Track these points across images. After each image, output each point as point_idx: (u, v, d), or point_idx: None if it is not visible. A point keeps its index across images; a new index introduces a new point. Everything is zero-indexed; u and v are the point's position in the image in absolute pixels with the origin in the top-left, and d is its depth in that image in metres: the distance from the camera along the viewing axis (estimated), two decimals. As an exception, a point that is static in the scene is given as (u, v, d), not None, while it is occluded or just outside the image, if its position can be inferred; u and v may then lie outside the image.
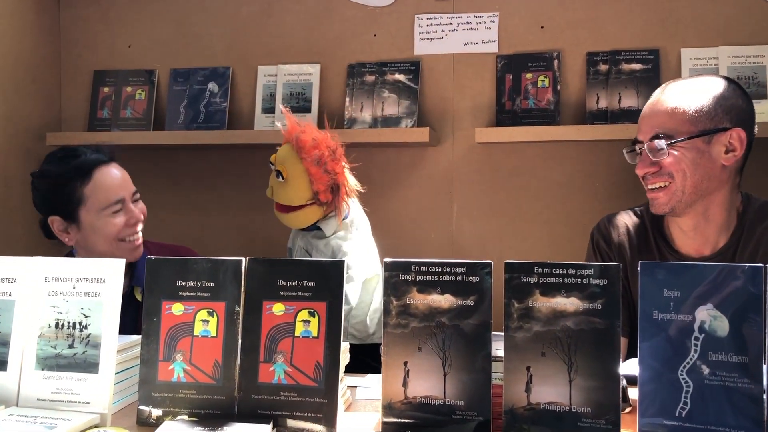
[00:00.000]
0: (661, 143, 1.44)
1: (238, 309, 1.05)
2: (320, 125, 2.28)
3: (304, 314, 1.03)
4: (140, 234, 1.67)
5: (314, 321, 1.03)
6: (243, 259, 1.06)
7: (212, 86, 2.38)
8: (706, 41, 2.08)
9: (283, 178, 1.72)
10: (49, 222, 1.64)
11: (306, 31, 2.36)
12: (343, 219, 1.74)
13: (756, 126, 1.50)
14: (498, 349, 0.99)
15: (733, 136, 1.44)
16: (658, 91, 1.54)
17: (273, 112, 2.32)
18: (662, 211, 1.49)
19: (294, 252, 1.85)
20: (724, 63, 2.04)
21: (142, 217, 1.68)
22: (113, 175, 1.64)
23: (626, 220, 1.63)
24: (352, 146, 2.25)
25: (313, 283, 1.03)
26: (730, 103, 1.45)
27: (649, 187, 1.50)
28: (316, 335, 1.03)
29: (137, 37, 2.48)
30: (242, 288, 1.06)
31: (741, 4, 2.06)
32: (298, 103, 2.30)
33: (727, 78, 1.53)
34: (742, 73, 2.02)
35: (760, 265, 0.91)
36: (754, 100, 1.54)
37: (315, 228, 1.78)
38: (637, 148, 1.52)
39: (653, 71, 2.08)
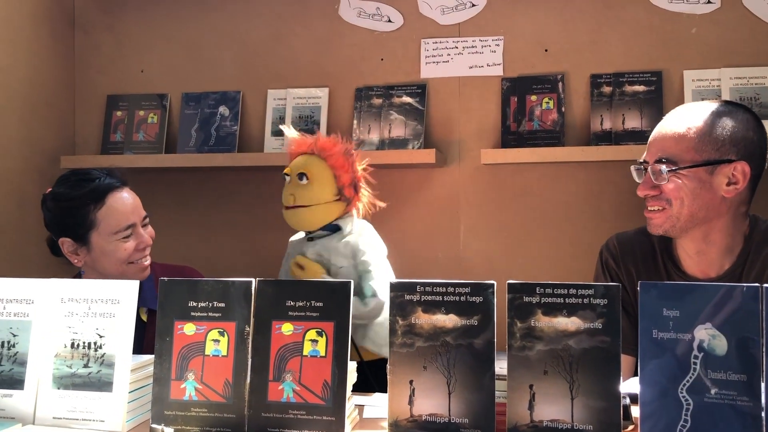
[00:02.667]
0: (664, 168, 1.45)
1: (248, 329, 1.08)
2: (329, 147, 2.33)
3: (312, 334, 1.06)
4: (148, 257, 1.71)
5: (322, 340, 1.05)
6: (253, 280, 1.09)
7: (223, 110, 2.43)
8: (708, 63, 2.11)
9: (307, 179, 1.73)
10: (59, 243, 1.68)
11: (314, 56, 2.41)
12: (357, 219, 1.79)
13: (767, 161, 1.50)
14: (501, 367, 1.01)
15: (737, 169, 1.43)
16: (669, 113, 1.55)
17: (282, 135, 2.35)
18: (656, 231, 1.51)
19: (285, 269, 1.81)
20: (727, 84, 2.07)
21: (150, 241, 1.71)
22: (125, 201, 1.68)
23: (635, 239, 1.65)
24: (360, 168, 2.30)
25: (320, 304, 1.06)
26: (739, 135, 1.45)
27: (648, 207, 1.52)
28: (323, 354, 1.05)
29: (150, 63, 2.54)
30: (252, 308, 1.08)
31: (742, 26, 2.09)
32: (307, 125, 2.34)
33: (744, 107, 1.52)
34: (745, 94, 2.05)
35: (756, 285, 0.93)
36: (756, 121, 1.55)
37: (329, 230, 1.76)
38: (643, 167, 1.54)
39: (656, 93, 2.11)
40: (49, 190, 1.71)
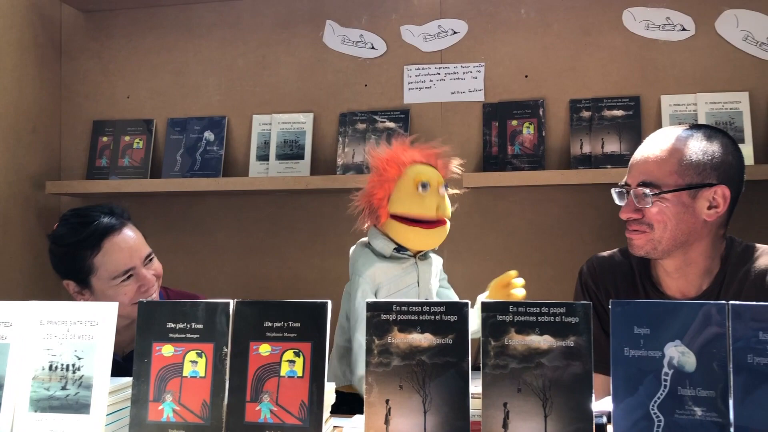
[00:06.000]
0: (647, 192, 1.47)
1: (226, 350, 1.09)
2: (313, 172, 2.36)
3: (289, 354, 1.07)
4: (155, 294, 1.67)
5: (299, 361, 1.06)
6: (231, 301, 1.10)
7: (208, 135, 2.45)
8: (684, 88, 2.16)
9: (446, 191, 1.54)
10: (64, 285, 1.67)
11: (299, 82, 2.44)
12: None
13: (744, 184, 1.53)
14: (476, 386, 1.02)
15: (717, 193, 1.46)
16: (651, 137, 1.57)
17: (267, 160, 2.38)
18: (638, 253, 1.53)
19: (427, 293, 1.58)
20: (702, 109, 2.12)
21: (155, 280, 1.67)
22: (123, 244, 1.64)
23: (614, 260, 1.67)
24: (344, 191, 2.32)
25: (298, 324, 1.07)
26: (719, 159, 1.48)
27: (629, 228, 1.54)
28: (301, 375, 1.06)
29: (136, 89, 2.56)
30: (230, 329, 1.09)
31: (716, 53, 2.15)
32: (292, 150, 2.37)
33: (722, 132, 1.55)
34: (720, 119, 2.09)
35: (723, 302, 0.95)
36: (731, 145, 1.58)
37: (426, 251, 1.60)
38: (624, 190, 1.55)
39: (635, 117, 2.16)
40: (55, 227, 1.69)
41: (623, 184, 1.56)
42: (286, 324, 1.07)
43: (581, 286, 1.70)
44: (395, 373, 1.03)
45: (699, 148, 1.48)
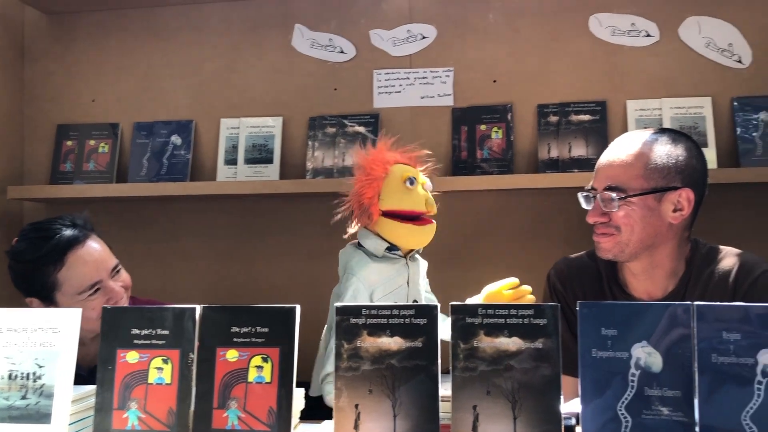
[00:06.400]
0: (613, 196, 1.48)
1: (192, 356, 1.07)
2: (282, 176, 2.34)
3: (257, 360, 1.05)
4: (125, 305, 1.62)
5: (267, 366, 1.05)
6: (196, 306, 1.08)
7: (175, 139, 2.42)
8: (649, 93, 2.19)
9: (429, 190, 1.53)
10: (27, 302, 1.60)
11: (268, 86, 2.43)
12: None
13: (707, 187, 1.56)
14: (446, 389, 1.02)
15: (682, 196, 1.48)
16: (616, 141, 1.58)
17: (235, 164, 2.36)
18: (605, 256, 1.55)
19: (416, 294, 1.56)
20: (667, 114, 2.15)
21: (123, 291, 1.63)
22: (88, 257, 1.59)
23: (581, 263, 1.69)
24: (314, 195, 2.31)
25: (266, 329, 1.06)
26: (684, 162, 1.49)
27: (597, 232, 1.56)
28: (269, 380, 1.05)
29: (101, 92, 2.52)
30: (196, 335, 1.07)
31: (680, 59, 2.18)
32: (261, 154, 2.35)
33: (686, 136, 1.57)
34: (684, 123, 2.13)
35: (688, 303, 0.97)
36: (695, 149, 1.61)
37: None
38: (591, 194, 1.56)
39: (601, 122, 2.18)
40: (14, 242, 1.62)
41: (590, 188, 1.57)
42: (253, 329, 1.06)
43: (549, 289, 1.71)
44: (365, 378, 1.02)
45: (664, 152, 1.50)
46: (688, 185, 1.49)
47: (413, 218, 1.49)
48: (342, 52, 2.38)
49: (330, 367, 1.31)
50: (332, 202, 1.57)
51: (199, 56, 2.47)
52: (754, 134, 2.09)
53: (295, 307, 1.06)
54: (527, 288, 1.49)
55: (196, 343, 1.07)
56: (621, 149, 1.54)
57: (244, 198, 2.38)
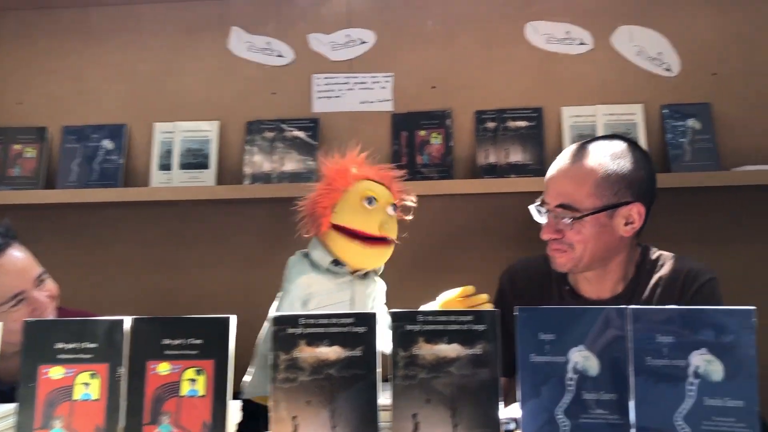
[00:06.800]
0: (566, 215, 1.49)
1: (121, 370, 1.02)
2: (219, 182, 2.29)
3: (190, 373, 1.02)
4: (52, 315, 1.55)
5: (201, 379, 1.01)
6: (125, 318, 1.04)
7: (107, 143, 2.34)
8: (584, 100, 2.23)
9: (394, 211, 1.48)
10: None
11: (205, 89, 2.37)
12: None
13: (656, 194, 1.58)
14: (386, 398, 1.01)
15: (633, 210, 1.50)
16: (565, 153, 1.57)
17: (170, 169, 2.29)
18: (561, 269, 1.57)
19: (354, 303, 1.50)
20: (601, 120, 2.20)
21: (49, 301, 1.56)
22: (10, 267, 1.52)
23: (533, 264, 1.70)
24: (251, 201, 2.27)
25: (199, 341, 1.02)
26: (633, 176, 1.50)
27: (551, 247, 1.56)
28: (203, 394, 1.01)
29: (28, 94, 2.41)
30: (126, 348, 1.03)
31: (613, 66, 2.24)
32: (196, 159, 2.29)
33: (634, 144, 1.57)
34: (617, 130, 2.18)
35: (623, 307, 0.98)
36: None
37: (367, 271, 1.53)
38: (542, 209, 1.56)
39: (537, 128, 2.22)
40: None
41: (541, 202, 1.57)
42: (186, 341, 1.02)
43: (499, 292, 1.74)
44: (303, 389, 1.00)
45: (613, 167, 1.50)
46: (638, 198, 1.51)
47: (366, 237, 1.43)
48: (280, 55, 2.34)
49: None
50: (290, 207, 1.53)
51: (133, 58, 2.40)
52: (683, 140, 2.16)
53: (229, 318, 1.03)
54: (483, 296, 1.48)
55: (126, 357, 1.03)
56: (570, 165, 1.53)
57: (180, 204, 2.31)
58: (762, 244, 2.16)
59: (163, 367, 1.02)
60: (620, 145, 1.55)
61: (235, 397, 1.23)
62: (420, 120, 2.26)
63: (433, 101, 2.29)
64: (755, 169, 2.01)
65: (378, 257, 1.45)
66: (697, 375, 0.93)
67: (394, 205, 1.48)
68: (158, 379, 1.02)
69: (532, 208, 1.59)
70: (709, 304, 1.44)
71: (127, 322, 1.04)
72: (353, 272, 1.47)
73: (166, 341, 1.03)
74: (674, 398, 0.93)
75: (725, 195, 2.16)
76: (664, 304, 1.49)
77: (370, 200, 1.43)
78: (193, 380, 1.02)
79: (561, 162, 1.56)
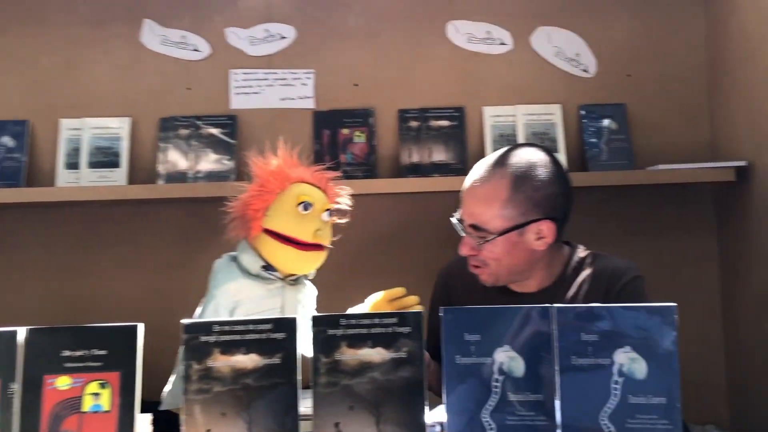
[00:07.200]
0: (478, 236, 1.49)
1: (13, 387, 0.93)
2: (131, 181, 2.18)
3: (93, 387, 0.94)
4: None
5: (105, 393, 0.94)
6: (20, 329, 0.95)
7: (7, 140, 2.18)
8: (504, 100, 2.24)
9: (329, 217, 1.44)
10: None
11: (115, 84, 2.25)
12: None
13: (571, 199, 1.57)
14: (307, 407, 0.96)
15: (542, 226, 1.49)
16: (479, 169, 1.55)
17: (77, 168, 2.16)
18: (485, 284, 1.56)
19: (284, 309, 1.45)
20: (521, 120, 2.22)
21: None
22: None
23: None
24: (166, 201, 2.17)
25: (104, 352, 0.95)
26: (540, 194, 1.49)
27: (471, 264, 1.56)
28: (108, 409, 0.94)
29: None
30: (19, 362, 0.94)
31: (532, 67, 2.26)
32: (106, 157, 2.17)
33: (545, 153, 1.55)
34: (537, 130, 2.21)
35: (548, 305, 0.97)
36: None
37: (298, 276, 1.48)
38: (459, 225, 1.56)
39: (459, 127, 2.21)
40: None
41: (458, 217, 1.57)
42: (89, 352, 0.94)
43: (434, 289, 1.76)
44: (217, 400, 0.94)
45: (520, 188, 1.48)
46: (547, 214, 1.49)
47: (299, 243, 1.38)
48: (196, 50, 2.25)
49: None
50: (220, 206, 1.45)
51: (35, 50, 2.25)
52: (600, 140, 2.20)
53: (136, 326, 0.96)
54: (413, 298, 1.45)
55: (20, 371, 0.94)
56: (480, 185, 1.52)
57: (88, 205, 2.19)
58: (674, 240, 2.23)
59: (63, 382, 0.94)
60: (532, 160, 1.53)
61: (156, 408, 1.16)
62: (343, 118, 2.22)
63: (356, 99, 2.25)
64: (668, 168, 2.07)
65: (312, 262, 1.41)
66: (621, 373, 0.92)
67: (330, 211, 1.44)
68: (57, 394, 0.93)
69: (454, 221, 1.59)
70: (634, 302, 1.48)
71: (21, 333, 0.95)
72: (285, 277, 1.41)
73: (66, 353, 0.95)
74: (599, 397, 0.92)
75: (640, 193, 2.22)
76: (590, 302, 1.50)
77: (306, 206, 1.39)
78: (96, 394, 0.94)
79: (472, 178, 1.55)
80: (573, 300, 1.54)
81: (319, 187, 1.46)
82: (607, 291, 1.53)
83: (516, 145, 1.61)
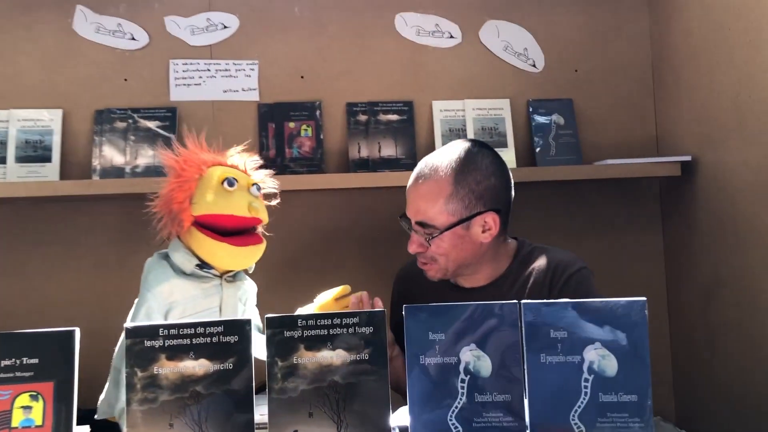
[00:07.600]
0: (425, 233, 1.51)
1: (-68, 402, 0.84)
2: (64, 177, 2.05)
3: (24, 399, 0.85)
4: None
5: (38, 406, 0.85)
6: (-62, 337, 0.85)
7: (-75, 133, 2.02)
8: (453, 94, 2.22)
9: (258, 191, 1.35)
10: None
11: (45, 74, 2.11)
12: None
13: (512, 193, 1.59)
14: (262, 414, 0.90)
15: (487, 219, 1.51)
16: (419, 168, 1.56)
17: (4, 163, 2.02)
18: (433, 279, 1.58)
19: (224, 310, 1.36)
20: (470, 114, 2.19)
21: None
22: None
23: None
24: (101, 198, 2.05)
25: (35, 360, 0.86)
26: (482, 187, 1.51)
27: (419, 261, 1.57)
28: (40, 423, 0.85)
29: None
30: (-62, 374, 0.85)
31: (481, 61, 2.24)
32: (36, 152, 2.04)
33: (485, 148, 1.57)
34: (486, 124, 2.19)
35: (515, 302, 0.93)
36: (496, 149, 1.62)
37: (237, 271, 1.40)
38: (406, 224, 1.57)
39: (409, 122, 2.17)
40: None
41: (404, 215, 1.58)
42: (18, 361, 0.85)
43: (392, 290, 1.76)
44: (163, 410, 0.87)
45: (462, 182, 1.50)
46: (491, 207, 1.52)
47: (234, 233, 1.30)
48: (133, 38, 2.14)
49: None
50: (145, 204, 1.36)
51: (-45, 36, 2.09)
52: (548, 135, 2.20)
53: (73, 331, 0.87)
54: (362, 293, 1.42)
55: (-61, 385, 0.84)
56: (422, 182, 1.54)
57: (16, 202, 2.04)
58: (621, 235, 2.25)
59: (-11, 395, 0.85)
60: (469, 154, 1.55)
61: (91, 418, 1.08)
62: (289, 111, 2.15)
63: (302, 92, 2.18)
64: (614, 162, 2.08)
65: (249, 257, 1.33)
66: (591, 371, 0.90)
67: (257, 185, 1.36)
68: (-18, 409, 0.84)
69: (401, 221, 1.59)
70: (578, 296, 1.47)
71: (-60, 342, 0.85)
72: (222, 275, 1.33)
73: (-7, 363, 0.86)
74: (569, 396, 0.90)
75: (588, 188, 2.23)
76: (536, 296, 1.51)
77: (231, 182, 1.30)
78: (27, 408, 0.85)
79: (414, 177, 1.57)
80: (520, 292, 1.56)
81: (237, 168, 1.38)
82: (551, 285, 1.54)
83: (454, 142, 1.62)
